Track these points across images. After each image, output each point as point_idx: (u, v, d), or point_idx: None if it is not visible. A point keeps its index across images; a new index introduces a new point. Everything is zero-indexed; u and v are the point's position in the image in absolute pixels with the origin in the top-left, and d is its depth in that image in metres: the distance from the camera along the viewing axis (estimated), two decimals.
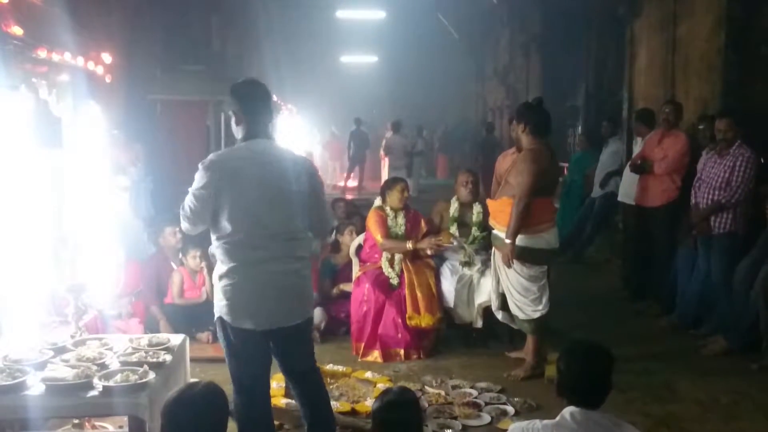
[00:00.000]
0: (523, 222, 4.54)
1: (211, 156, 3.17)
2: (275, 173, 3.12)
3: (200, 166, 3.09)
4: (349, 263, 5.85)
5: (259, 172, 3.09)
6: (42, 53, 4.36)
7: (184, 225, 3.20)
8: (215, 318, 3.17)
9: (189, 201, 3.11)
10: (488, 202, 4.98)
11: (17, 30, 4.14)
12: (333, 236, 6.17)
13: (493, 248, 4.92)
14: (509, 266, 4.65)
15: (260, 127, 3.17)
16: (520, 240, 4.58)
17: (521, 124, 4.66)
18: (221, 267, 3.13)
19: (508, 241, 4.58)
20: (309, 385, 3.33)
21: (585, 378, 2.37)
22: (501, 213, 4.72)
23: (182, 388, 2.37)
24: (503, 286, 4.83)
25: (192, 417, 2.24)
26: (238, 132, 3.21)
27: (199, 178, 3.08)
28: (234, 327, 3.11)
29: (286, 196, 3.12)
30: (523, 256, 4.62)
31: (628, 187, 6.66)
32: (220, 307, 3.13)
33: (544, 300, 4.70)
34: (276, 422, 3.65)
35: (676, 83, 7.69)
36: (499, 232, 4.74)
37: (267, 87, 3.26)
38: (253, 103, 3.17)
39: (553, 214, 4.85)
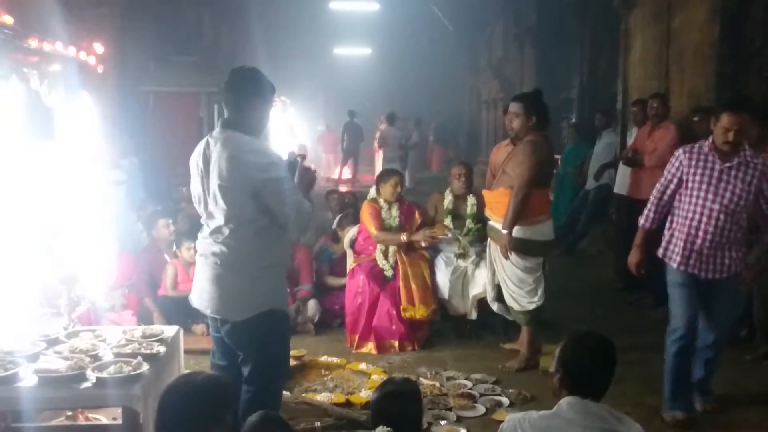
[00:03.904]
0: (521, 213, 4.54)
1: None
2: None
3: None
4: (346, 255, 5.86)
5: None
6: (33, 43, 4.31)
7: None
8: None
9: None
10: (484, 193, 4.97)
11: (7, 19, 4.09)
12: (333, 227, 6.19)
13: (489, 239, 4.92)
14: (507, 258, 4.64)
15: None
16: (517, 231, 4.58)
17: (532, 116, 4.60)
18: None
19: (505, 232, 4.57)
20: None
21: (594, 370, 2.35)
22: (498, 204, 4.71)
23: (184, 374, 2.33)
24: (499, 278, 4.83)
25: (181, 404, 2.19)
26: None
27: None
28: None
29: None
30: (520, 247, 4.62)
31: (623, 179, 6.67)
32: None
33: (540, 291, 4.71)
34: None
35: (670, 75, 7.68)
36: (496, 223, 4.74)
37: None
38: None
39: (548, 206, 4.87)
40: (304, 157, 3.12)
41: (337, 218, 6.26)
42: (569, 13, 11.98)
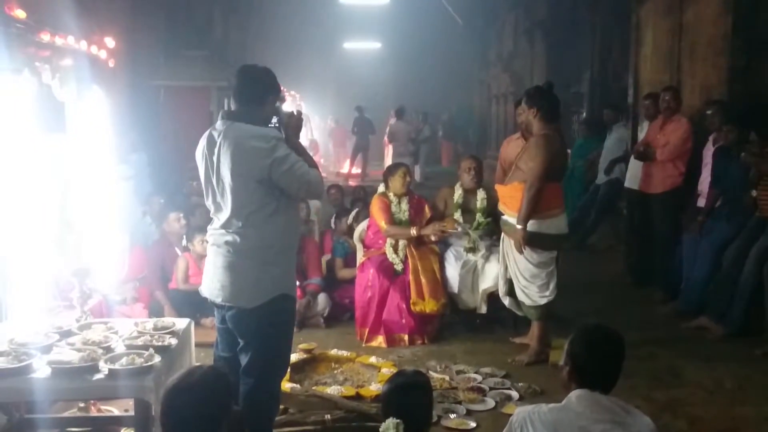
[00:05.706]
0: (535, 207, 4.53)
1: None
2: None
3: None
4: None
5: None
6: (45, 37, 4.35)
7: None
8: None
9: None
10: (498, 187, 4.96)
11: (20, 13, 4.13)
12: (350, 221, 6.19)
13: (502, 234, 4.91)
14: (521, 252, 4.63)
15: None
16: (531, 225, 4.57)
17: (532, 109, 4.62)
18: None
19: (519, 226, 4.57)
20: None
21: (602, 362, 2.35)
22: (511, 198, 4.70)
23: (182, 373, 2.33)
24: (511, 273, 4.82)
25: (190, 403, 2.19)
26: None
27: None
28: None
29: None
30: (534, 241, 4.61)
31: (634, 173, 6.64)
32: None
33: (552, 286, 4.70)
34: (281, 406, 3.67)
35: (681, 69, 7.62)
36: (510, 217, 4.73)
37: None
38: None
39: (562, 200, 4.85)
40: (283, 99, 3.03)
41: (353, 213, 6.27)
42: (580, 6, 11.93)
